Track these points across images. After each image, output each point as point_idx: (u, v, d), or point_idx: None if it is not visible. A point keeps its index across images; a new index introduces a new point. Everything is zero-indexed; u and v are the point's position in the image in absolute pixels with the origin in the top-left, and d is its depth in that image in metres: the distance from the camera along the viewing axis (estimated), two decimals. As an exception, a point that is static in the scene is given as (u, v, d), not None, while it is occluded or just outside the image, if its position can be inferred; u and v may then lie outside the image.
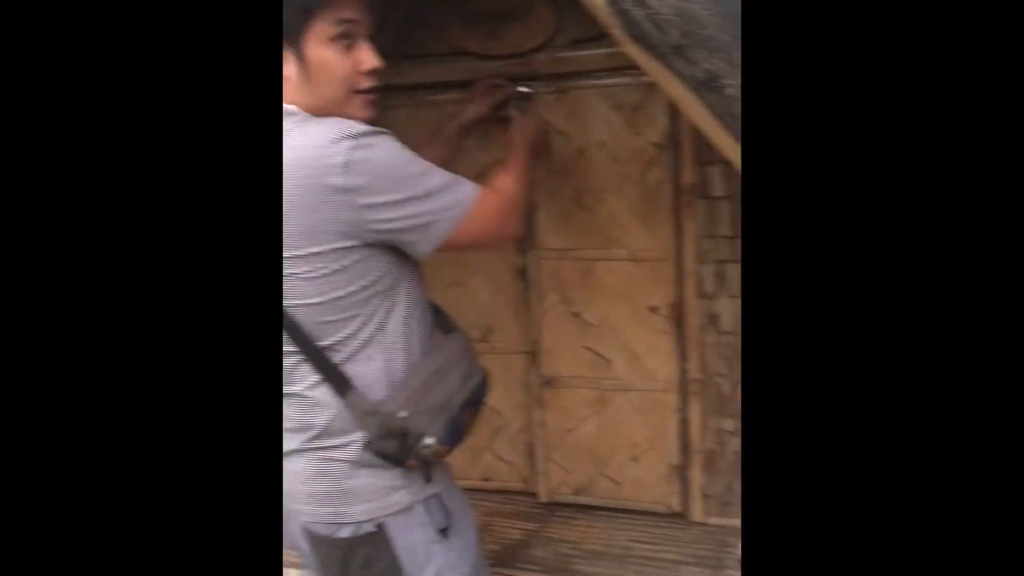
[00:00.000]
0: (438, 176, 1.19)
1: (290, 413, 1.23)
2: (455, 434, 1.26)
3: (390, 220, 1.14)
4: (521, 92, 1.97)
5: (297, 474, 1.24)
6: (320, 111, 1.17)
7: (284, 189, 1.09)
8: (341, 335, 1.18)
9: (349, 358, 1.19)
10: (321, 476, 1.21)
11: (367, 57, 1.21)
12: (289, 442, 1.24)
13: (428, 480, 1.24)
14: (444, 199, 1.18)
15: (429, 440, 1.18)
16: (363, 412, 1.17)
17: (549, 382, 2.21)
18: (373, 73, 1.22)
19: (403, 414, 1.17)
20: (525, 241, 2.13)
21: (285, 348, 1.20)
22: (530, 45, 1.96)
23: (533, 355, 2.21)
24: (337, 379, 1.18)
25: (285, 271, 1.14)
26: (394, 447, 1.17)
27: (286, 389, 1.21)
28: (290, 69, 1.17)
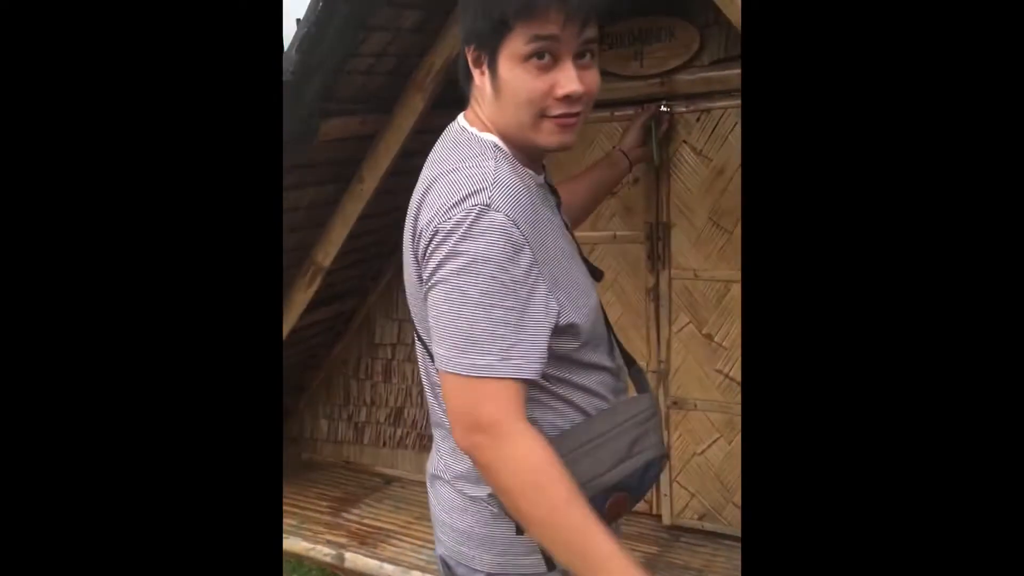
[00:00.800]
0: (494, 326, 0.95)
1: (440, 439, 1.18)
2: None
3: (427, 305, 1.02)
4: (662, 111, 1.98)
5: (443, 501, 1.19)
6: (506, 133, 1.07)
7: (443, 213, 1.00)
8: None
9: None
10: (462, 513, 1.15)
11: (566, 80, 1.00)
12: (441, 467, 1.19)
13: (549, 568, 1.08)
14: (463, 341, 0.95)
15: None
16: None
17: (677, 403, 2.19)
18: (571, 98, 1.02)
19: None
20: (658, 260, 2.13)
21: (438, 380, 1.08)
22: (672, 65, 1.97)
23: (662, 375, 2.19)
24: None
25: (414, 308, 1.09)
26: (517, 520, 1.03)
27: (439, 418, 1.16)
28: (483, 81, 1.06)
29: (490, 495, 1.08)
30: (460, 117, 1.14)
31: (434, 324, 1.00)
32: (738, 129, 1.96)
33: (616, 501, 1.09)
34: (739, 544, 2.12)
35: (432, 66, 2.11)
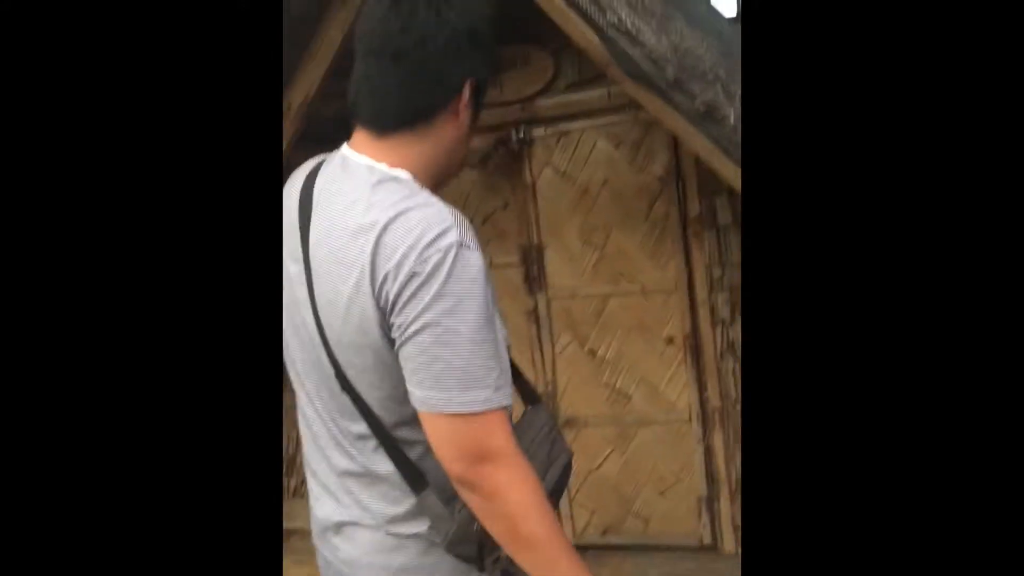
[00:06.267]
0: (485, 361, 0.99)
1: (363, 487, 1.14)
2: None
3: (409, 349, 1.00)
4: (520, 137, 2.02)
5: (365, 544, 1.15)
6: (440, 166, 1.11)
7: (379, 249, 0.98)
8: (413, 427, 1.08)
9: (425, 452, 1.07)
10: (394, 552, 1.13)
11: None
12: (356, 512, 1.15)
13: None
14: (462, 380, 0.98)
15: (504, 551, 1.07)
16: (436, 515, 1.08)
17: (569, 422, 2.20)
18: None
19: (477, 525, 1.05)
20: (534, 282, 2.15)
21: (363, 430, 1.11)
22: (530, 91, 2.01)
23: (549, 396, 2.21)
24: (411, 474, 1.09)
25: (351, 358, 1.05)
26: (470, 553, 1.08)
27: (360, 467, 1.13)
28: (466, 115, 1.08)
29: (430, 528, 1.09)
30: (355, 154, 1.10)
31: (421, 368, 0.99)
32: (598, 148, 2.02)
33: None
34: (645, 552, 2.15)
35: (291, 104, 2.07)
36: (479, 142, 1.93)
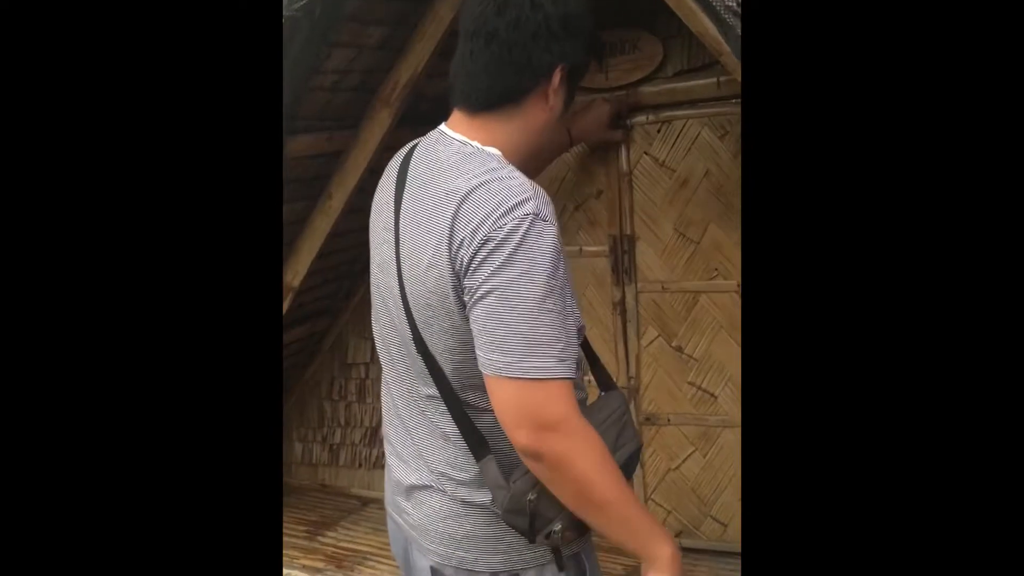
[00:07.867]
0: (550, 331, 1.00)
1: (433, 450, 1.18)
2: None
3: (477, 313, 1.02)
4: (624, 124, 1.99)
5: (433, 510, 1.19)
6: (531, 147, 1.16)
7: (463, 218, 1.02)
8: (483, 393, 1.10)
9: (495, 420, 1.09)
10: (461, 519, 1.16)
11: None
12: (426, 476, 1.19)
13: (560, 568, 1.15)
14: (525, 346, 0.99)
15: (557, 527, 1.09)
16: (494, 483, 1.10)
17: (649, 419, 2.16)
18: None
19: (532, 496, 1.07)
20: (624, 273, 2.12)
21: (433, 392, 1.13)
22: (636, 77, 1.97)
23: (632, 391, 2.17)
24: (475, 440, 1.12)
25: (428, 320, 1.08)
26: (522, 525, 1.10)
27: (436, 427, 1.17)
28: (556, 100, 1.14)
29: (493, 501, 1.12)
30: (449, 131, 1.13)
31: (488, 330, 1.01)
32: (701, 139, 1.96)
33: None
34: (720, 558, 2.09)
35: (398, 82, 2.11)
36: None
